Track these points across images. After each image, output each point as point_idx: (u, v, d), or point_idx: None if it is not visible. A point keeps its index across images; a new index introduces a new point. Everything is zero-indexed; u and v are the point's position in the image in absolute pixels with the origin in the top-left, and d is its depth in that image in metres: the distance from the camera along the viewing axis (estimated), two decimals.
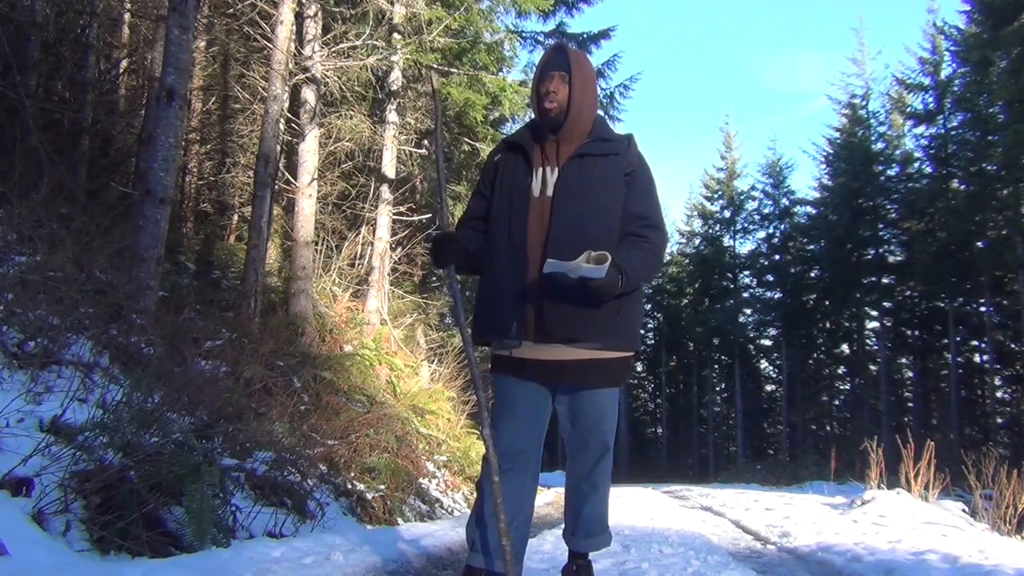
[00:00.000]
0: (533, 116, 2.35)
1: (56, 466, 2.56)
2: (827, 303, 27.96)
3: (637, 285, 2.22)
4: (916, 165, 23.64)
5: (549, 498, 9.79)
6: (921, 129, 22.40)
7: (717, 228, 34.06)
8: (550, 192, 2.21)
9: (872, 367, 27.83)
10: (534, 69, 2.39)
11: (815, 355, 31.13)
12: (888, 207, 24.94)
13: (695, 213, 35.85)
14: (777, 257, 30.86)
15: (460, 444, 8.60)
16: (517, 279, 2.18)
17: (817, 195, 28.84)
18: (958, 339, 22.89)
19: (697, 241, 35.54)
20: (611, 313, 2.17)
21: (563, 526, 2.45)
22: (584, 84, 2.25)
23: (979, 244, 19.82)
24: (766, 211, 31.36)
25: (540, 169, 2.25)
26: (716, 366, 37.31)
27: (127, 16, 9.35)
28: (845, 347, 29.80)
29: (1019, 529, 4.85)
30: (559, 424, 2.34)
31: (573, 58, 2.27)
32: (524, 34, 12.37)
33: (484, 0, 10.92)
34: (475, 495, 2.41)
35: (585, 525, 2.35)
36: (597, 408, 2.27)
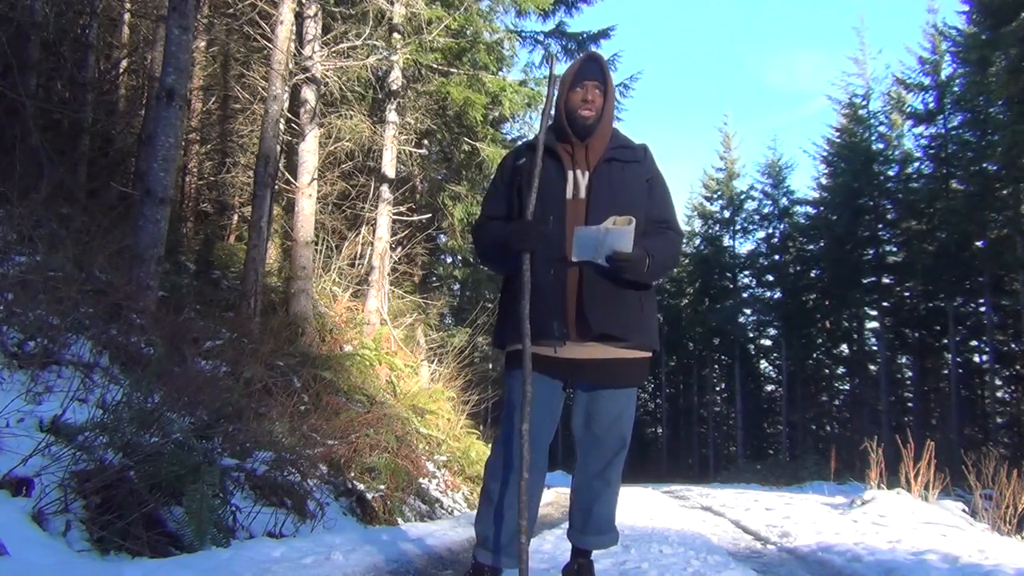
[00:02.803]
0: (553, 120, 2.37)
1: (56, 466, 2.56)
2: (827, 303, 27.97)
3: (659, 271, 2.34)
4: (916, 165, 23.67)
5: (549, 498, 9.79)
6: (921, 129, 22.43)
7: (717, 228, 34.09)
8: (583, 195, 2.29)
9: (872, 367, 27.83)
10: (555, 76, 2.43)
11: (815, 355, 31.13)
12: (888, 207, 24.95)
13: (695, 213, 35.86)
14: (777, 257, 30.87)
15: (460, 444, 8.60)
16: (558, 280, 2.23)
17: (816, 195, 28.87)
18: (958, 339, 22.89)
19: (697, 241, 35.54)
20: (637, 309, 2.28)
21: (567, 525, 2.45)
22: (612, 93, 2.38)
23: (979, 244, 19.83)
24: (766, 211, 31.40)
25: (571, 172, 2.32)
26: (716, 366, 37.32)
27: (127, 16, 9.35)
28: (845, 347, 29.81)
29: (1019, 529, 4.85)
30: (571, 421, 2.37)
31: (606, 68, 2.39)
32: (524, 34, 12.36)
33: (484, 0, 10.92)
34: (481, 492, 2.42)
35: (595, 523, 2.36)
36: (616, 407, 2.32)
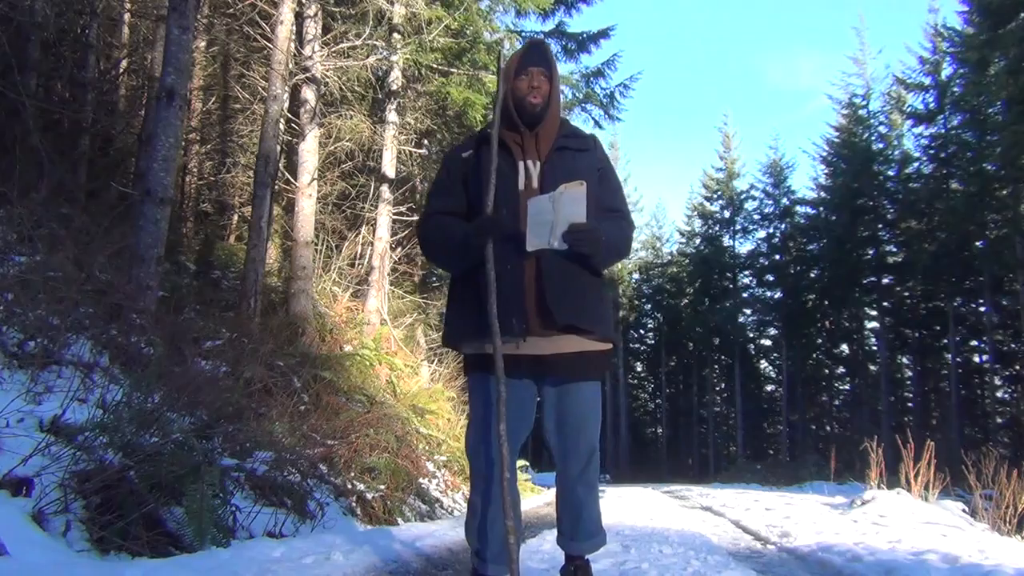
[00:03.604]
0: (501, 112, 2.30)
1: (56, 466, 2.56)
2: (827, 303, 27.98)
3: (613, 254, 2.30)
4: (916, 165, 23.68)
5: (549, 498, 9.79)
6: (921, 129, 22.45)
7: (717, 228, 34.10)
8: (535, 184, 2.24)
9: (872, 367, 27.85)
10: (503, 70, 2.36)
11: (815, 355, 31.15)
12: (888, 207, 24.96)
13: (695, 213, 35.88)
14: (777, 257, 30.89)
15: (460, 444, 8.58)
16: (513, 273, 2.17)
17: (816, 195, 28.88)
18: (958, 339, 22.90)
19: (697, 241, 35.56)
20: (597, 299, 2.25)
21: (557, 533, 2.40)
22: (558, 79, 2.34)
23: (979, 244, 19.84)
24: (767, 211, 31.42)
25: (522, 163, 2.27)
26: (716, 366, 37.33)
27: (127, 16, 9.36)
28: (845, 347, 29.84)
29: (1019, 529, 4.85)
30: (543, 425, 2.32)
31: (550, 54, 2.34)
32: (523, 34, 12.34)
33: (484, 0, 10.93)
34: (468, 501, 2.38)
35: (585, 527, 2.33)
36: (583, 403, 2.27)
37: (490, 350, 2.16)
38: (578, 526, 2.33)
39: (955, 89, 20.27)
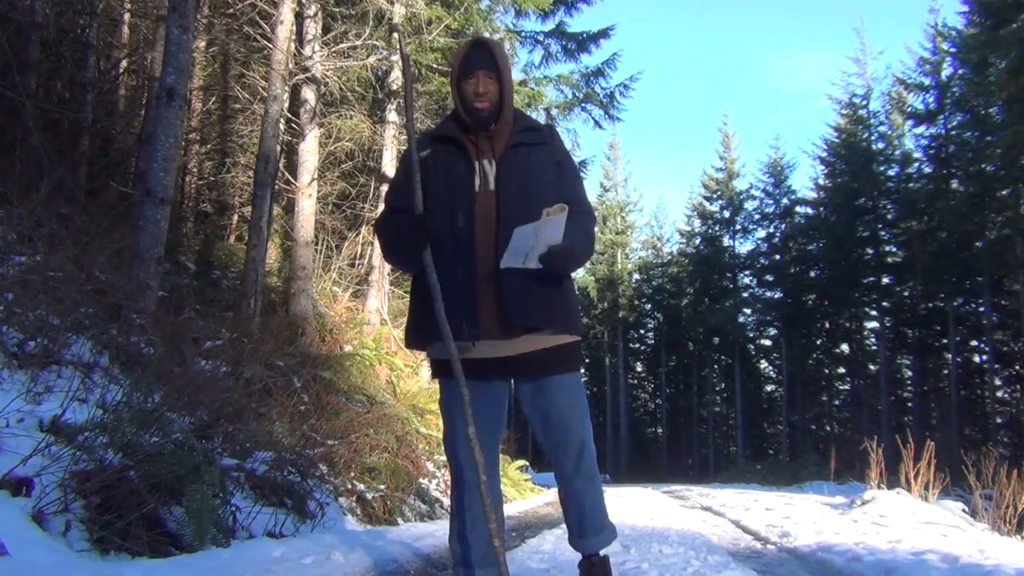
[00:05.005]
0: (455, 110, 2.28)
1: (56, 466, 2.56)
2: (827, 303, 27.98)
3: (581, 262, 2.31)
4: (916, 165, 23.67)
5: (549, 498, 9.79)
6: (921, 129, 22.44)
7: (716, 228, 34.11)
8: (492, 186, 2.19)
9: (872, 367, 27.85)
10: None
11: (815, 355, 31.15)
12: (888, 207, 24.96)
13: (695, 213, 35.89)
14: (777, 257, 30.88)
15: None
16: (467, 277, 2.13)
17: (815, 195, 28.88)
18: (958, 339, 22.90)
19: (697, 241, 35.58)
20: (561, 296, 2.21)
21: (566, 533, 2.38)
22: (508, 76, 2.25)
23: (979, 244, 19.84)
24: (767, 211, 31.42)
25: (477, 163, 2.22)
26: (716, 366, 37.34)
27: (127, 16, 9.36)
28: (845, 347, 29.84)
29: (1019, 529, 4.85)
30: (532, 426, 2.29)
31: (497, 53, 2.24)
32: (523, 34, 12.36)
33: (484, 0, 10.92)
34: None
35: (589, 522, 2.29)
36: (565, 396, 2.24)
37: (446, 355, 2.12)
38: (583, 522, 2.30)
39: (955, 89, 20.26)
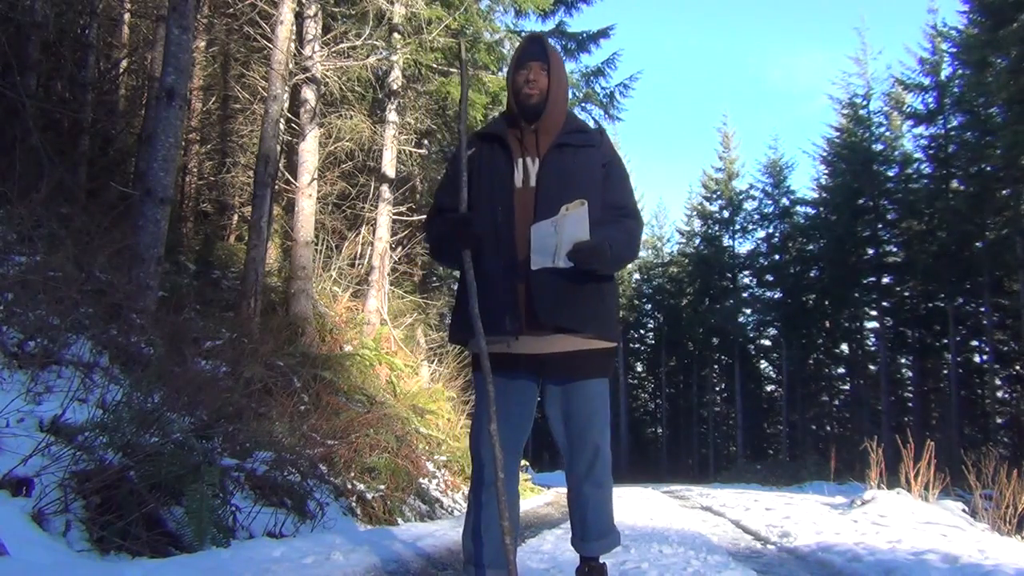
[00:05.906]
0: (506, 108, 2.35)
1: (56, 466, 2.56)
2: (827, 303, 27.96)
3: (621, 261, 2.29)
4: (916, 165, 23.66)
5: (549, 498, 9.80)
6: (921, 129, 22.43)
7: (716, 228, 34.09)
8: (533, 183, 2.22)
9: (872, 367, 27.83)
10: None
11: (815, 355, 31.14)
12: (888, 207, 24.95)
13: (694, 213, 35.86)
14: (777, 257, 30.87)
15: (460, 444, 8.59)
16: (507, 272, 2.17)
17: (816, 195, 28.87)
18: (958, 339, 22.89)
19: (696, 241, 35.56)
20: (596, 300, 2.21)
21: (570, 533, 2.38)
22: (560, 75, 2.30)
23: (979, 244, 19.83)
24: (766, 211, 31.40)
25: (520, 160, 2.26)
26: (716, 366, 37.32)
27: (127, 16, 9.35)
28: (845, 347, 29.83)
29: (1019, 529, 4.85)
30: (550, 425, 2.30)
31: (550, 49, 2.32)
32: (523, 34, 12.36)
33: (484, 0, 10.93)
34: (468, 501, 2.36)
35: (593, 527, 2.29)
36: (589, 401, 2.25)
37: (491, 347, 2.17)
38: (587, 526, 2.30)
39: (955, 89, 20.26)
